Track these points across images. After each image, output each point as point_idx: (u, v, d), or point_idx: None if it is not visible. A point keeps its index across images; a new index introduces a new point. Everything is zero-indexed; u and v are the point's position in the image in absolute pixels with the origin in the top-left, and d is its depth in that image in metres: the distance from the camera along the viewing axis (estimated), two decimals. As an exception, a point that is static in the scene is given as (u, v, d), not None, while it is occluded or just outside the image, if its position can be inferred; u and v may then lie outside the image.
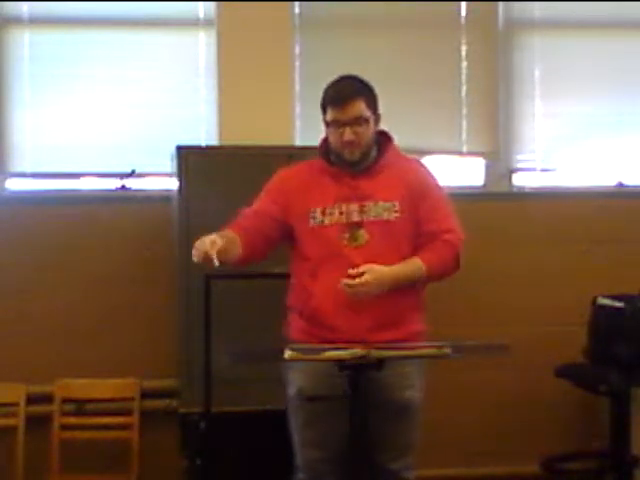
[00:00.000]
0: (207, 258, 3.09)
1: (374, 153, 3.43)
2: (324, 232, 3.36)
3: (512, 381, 5.00)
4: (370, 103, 3.37)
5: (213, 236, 3.14)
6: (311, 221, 3.37)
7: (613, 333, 4.71)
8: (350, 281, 3.20)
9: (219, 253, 3.09)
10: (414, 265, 3.35)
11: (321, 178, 3.41)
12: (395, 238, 3.37)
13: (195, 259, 3.14)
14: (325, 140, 3.47)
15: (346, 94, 3.34)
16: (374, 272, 3.22)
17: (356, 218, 3.36)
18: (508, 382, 5.00)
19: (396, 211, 3.38)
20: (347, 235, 3.35)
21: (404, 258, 3.36)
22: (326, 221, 3.36)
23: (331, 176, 3.41)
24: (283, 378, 3.46)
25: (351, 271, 3.21)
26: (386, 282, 3.26)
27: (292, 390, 3.39)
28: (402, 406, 3.36)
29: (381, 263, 3.29)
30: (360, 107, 3.33)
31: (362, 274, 3.20)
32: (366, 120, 3.35)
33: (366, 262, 3.27)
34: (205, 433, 4.20)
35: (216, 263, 3.07)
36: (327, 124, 3.38)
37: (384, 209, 3.37)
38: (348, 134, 3.32)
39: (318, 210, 3.36)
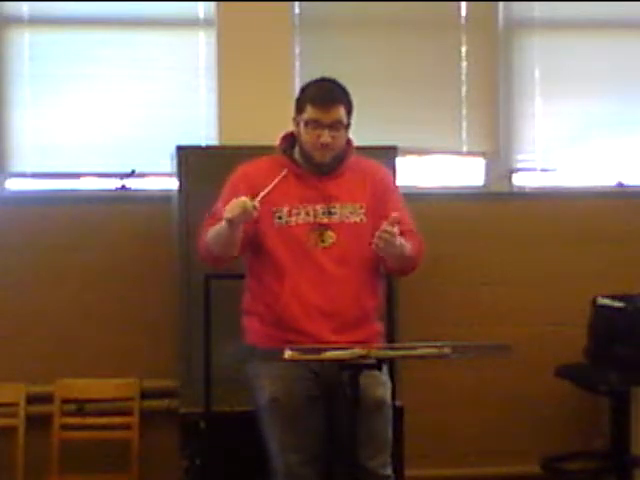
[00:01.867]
0: (247, 210, 3.09)
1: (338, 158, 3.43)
2: (290, 232, 3.35)
3: (512, 381, 5.00)
4: (348, 111, 3.39)
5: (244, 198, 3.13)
6: (276, 220, 3.35)
7: (613, 333, 4.71)
8: (390, 229, 3.12)
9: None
10: (408, 246, 3.30)
11: (285, 177, 3.36)
12: (361, 239, 3.37)
13: (231, 214, 3.12)
14: (287, 137, 3.46)
15: (332, 97, 3.34)
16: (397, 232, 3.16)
17: (323, 219, 3.36)
18: (508, 382, 5.00)
19: (362, 213, 3.39)
20: (314, 236, 3.35)
21: (369, 260, 3.37)
22: (292, 221, 3.35)
23: (295, 175, 3.39)
24: (251, 385, 3.43)
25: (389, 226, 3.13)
26: (399, 244, 3.22)
27: (265, 397, 3.35)
28: (376, 405, 3.34)
29: (348, 264, 3.32)
30: (341, 112, 3.34)
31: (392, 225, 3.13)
32: (344, 126, 3.36)
33: (333, 263, 3.30)
34: (205, 433, 4.20)
35: (257, 207, 3.10)
36: (303, 122, 3.36)
37: (350, 211, 3.38)
38: (326, 136, 3.32)
39: (284, 210, 3.35)
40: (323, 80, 3.43)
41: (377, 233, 3.17)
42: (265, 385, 3.35)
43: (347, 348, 3.02)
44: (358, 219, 3.38)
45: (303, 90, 3.42)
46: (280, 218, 3.35)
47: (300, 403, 3.29)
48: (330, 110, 3.31)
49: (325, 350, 3.03)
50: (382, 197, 3.44)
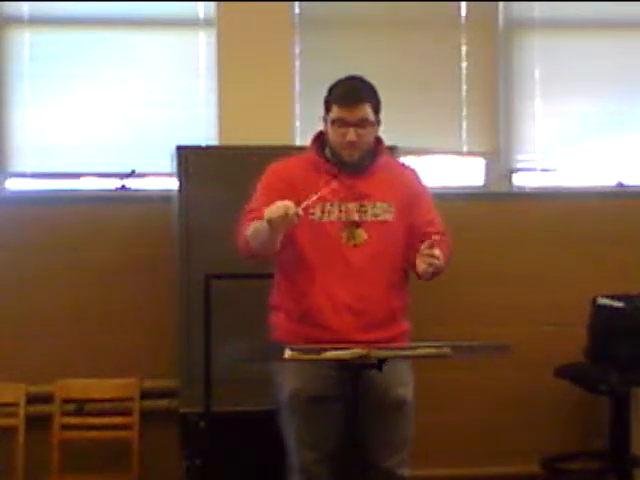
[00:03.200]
0: (289, 216, 3.08)
1: (369, 155, 3.43)
2: (323, 229, 3.35)
3: (512, 381, 5.00)
4: (376, 108, 3.38)
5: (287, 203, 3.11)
6: (309, 217, 3.34)
7: (613, 333, 4.71)
8: (434, 259, 3.14)
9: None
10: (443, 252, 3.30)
11: (317, 175, 3.39)
12: (391, 238, 3.38)
13: (271, 215, 3.09)
14: (319, 136, 3.47)
15: (356, 95, 3.34)
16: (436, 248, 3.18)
17: (355, 217, 3.36)
18: (508, 382, 5.00)
19: (392, 212, 3.39)
20: (345, 234, 3.35)
21: (398, 259, 3.39)
22: (325, 218, 3.36)
23: (328, 174, 3.40)
24: (273, 381, 3.44)
25: (427, 249, 3.14)
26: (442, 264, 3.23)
27: (285, 393, 3.37)
28: (397, 404, 3.36)
29: (378, 263, 3.32)
30: (367, 110, 3.34)
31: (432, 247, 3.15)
32: (370, 124, 3.36)
33: (363, 262, 3.29)
34: (205, 433, 4.20)
35: (299, 214, 3.09)
36: (330, 122, 3.37)
37: (382, 210, 3.38)
38: (352, 135, 3.32)
39: (317, 207, 3.35)
40: (349, 78, 3.42)
41: (424, 259, 3.15)
42: (286, 381, 3.36)
43: (347, 348, 3.01)
44: (389, 218, 3.38)
45: (330, 89, 3.42)
46: (313, 214, 3.35)
47: (320, 400, 3.29)
48: (355, 109, 3.31)
49: (325, 350, 3.03)
50: (413, 199, 3.45)
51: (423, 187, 3.55)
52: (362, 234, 3.35)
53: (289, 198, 3.21)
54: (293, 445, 3.39)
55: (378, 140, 3.48)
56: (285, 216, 3.09)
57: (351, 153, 3.36)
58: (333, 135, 3.37)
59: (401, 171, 3.55)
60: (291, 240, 3.36)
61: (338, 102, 3.34)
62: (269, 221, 3.11)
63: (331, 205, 3.36)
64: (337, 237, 3.34)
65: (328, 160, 3.43)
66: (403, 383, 3.38)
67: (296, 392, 3.32)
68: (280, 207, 3.10)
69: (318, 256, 3.34)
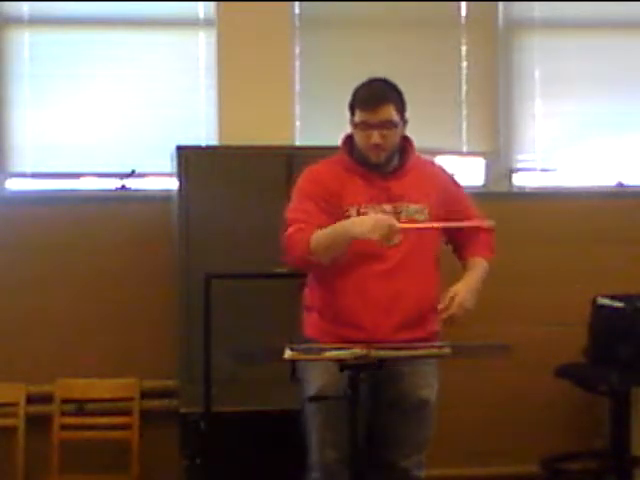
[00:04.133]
0: (391, 233, 3.13)
1: (397, 156, 3.44)
2: None
3: (512, 381, 4.99)
4: (399, 108, 3.38)
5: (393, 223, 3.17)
6: (345, 219, 3.34)
7: (613, 333, 4.71)
8: (447, 312, 3.26)
9: None
10: (481, 264, 3.47)
11: (351, 177, 3.40)
12: (425, 239, 3.39)
13: (377, 235, 3.14)
14: (348, 138, 3.47)
15: (377, 97, 3.34)
16: (461, 291, 3.31)
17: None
18: (508, 382, 5.00)
19: (425, 213, 3.40)
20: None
21: (432, 260, 3.42)
22: None
23: (361, 176, 3.40)
24: (300, 378, 3.44)
25: (440, 306, 3.27)
26: (474, 288, 3.39)
27: (311, 390, 3.36)
28: (419, 405, 3.38)
29: (411, 264, 3.33)
30: (390, 111, 3.34)
31: (452, 300, 3.27)
32: (395, 125, 3.36)
33: (397, 262, 3.31)
34: (205, 433, 4.20)
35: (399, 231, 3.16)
36: (355, 125, 3.37)
37: (415, 210, 3.39)
38: (376, 137, 3.32)
39: (353, 209, 3.35)
40: (371, 81, 3.43)
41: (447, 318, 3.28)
42: (312, 378, 3.36)
43: (347, 348, 3.01)
44: (422, 219, 3.39)
45: (354, 93, 3.42)
46: (349, 217, 3.34)
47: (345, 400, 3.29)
48: (377, 111, 3.32)
49: (325, 350, 3.03)
50: (450, 198, 3.48)
51: (457, 185, 3.59)
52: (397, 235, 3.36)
53: (326, 202, 3.32)
54: (315, 443, 3.39)
55: (407, 139, 3.49)
56: (389, 234, 3.14)
57: (377, 155, 3.36)
58: (358, 138, 3.38)
59: (431, 170, 3.56)
60: None
61: (360, 105, 3.35)
62: (362, 236, 3.15)
63: (366, 207, 3.35)
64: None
65: (358, 162, 3.42)
66: (428, 385, 3.42)
67: (322, 390, 3.31)
68: (382, 224, 3.14)
69: (353, 257, 3.32)
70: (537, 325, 5.06)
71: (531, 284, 5.09)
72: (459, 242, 3.54)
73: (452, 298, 3.27)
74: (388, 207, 3.36)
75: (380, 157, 3.37)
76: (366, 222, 3.19)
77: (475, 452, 5.00)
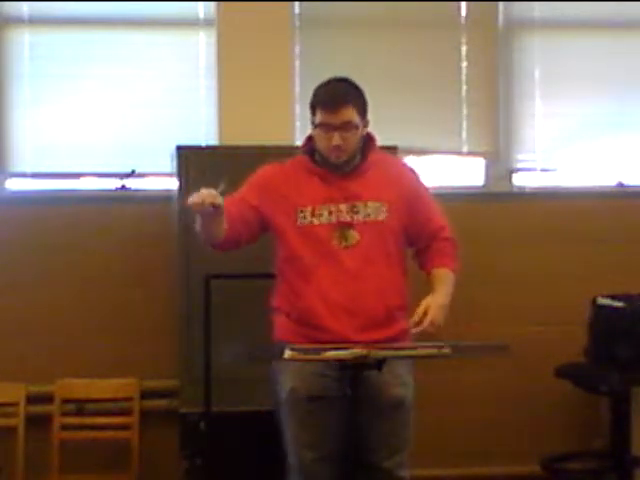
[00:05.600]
0: (203, 204, 3.05)
1: (358, 154, 3.43)
2: (313, 232, 3.34)
3: (512, 381, 5.00)
4: (360, 109, 3.36)
5: (214, 192, 3.09)
6: (299, 221, 3.35)
7: (613, 333, 4.71)
8: (419, 328, 3.24)
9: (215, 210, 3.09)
10: (449, 277, 3.45)
11: (308, 178, 3.40)
12: (384, 238, 3.38)
13: (191, 201, 3.08)
14: (309, 139, 3.46)
15: (338, 99, 3.32)
16: (432, 307, 3.28)
17: (346, 218, 3.35)
18: (508, 382, 5.00)
19: (385, 211, 3.38)
20: (337, 235, 3.34)
21: (394, 258, 3.40)
22: (315, 221, 3.35)
23: (319, 176, 3.39)
24: (272, 380, 3.44)
25: (414, 318, 3.25)
26: (444, 302, 3.36)
27: (284, 391, 3.37)
28: (395, 404, 3.35)
29: (371, 263, 3.33)
30: (351, 113, 3.32)
31: (424, 315, 3.25)
32: (355, 126, 3.34)
33: (356, 262, 3.30)
34: (205, 433, 4.20)
35: (215, 204, 3.06)
36: (315, 125, 3.36)
37: (374, 209, 3.38)
38: (336, 139, 3.31)
39: (307, 210, 3.35)
40: (331, 81, 3.41)
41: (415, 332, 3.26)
42: (285, 380, 3.36)
43: (347, 348, 3.01)
44: (382, 217, 3.37)
45: (314, 93, 3.41)
46: (304, 218, 3.35)
47: (318, 400, 3.29)
48: (338, 112, 3.30)
49: (325, 350, 3.03)
50: (412, 197, 3.45)
51: (419, 183, 3.55)
52: (354, 235, 3.35)
53: (265, 199, 3.35)
54: (291, 444, 3.38)
55: (369, 137, 3.48)
56: (201, 204, 3.06)
57: (337, 156, 3.35)
58: (319, 139, 3.36)
59: (397, 169, 3.54)
60: (284, 242, 3.38)
61: (321, 106, 3.33)
62: (189, 207, 3.10)
63: (321, 208, 3.35)
64: (328, 239, 3.34)
65: (318, 163, 3.42)
66: (402, 383, 3.38)
67: (294, 391, 3.32)
68: (201, 194, 3.07)
69: (310, 258, 3.34)
70: (537, 325, 5.06)
71: (531, 284, 5.09)
72: (420, 247, 3.51)
73: (424, 314, 3.25)
74: (344, 206, 3.35)
75: (340, 158, 3.36)
76: (197, 193, 3.12)
77: (475, 452, 5.00)
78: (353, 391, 3.05)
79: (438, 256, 3.47)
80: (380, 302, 3.34)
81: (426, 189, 3.56)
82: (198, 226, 3.26)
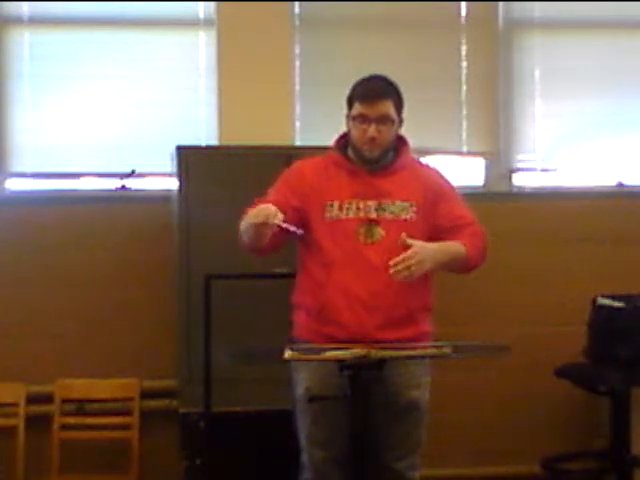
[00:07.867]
0: (266, 224, 3.08)
1: (391, 154, 3.45)
2: (340, 226, 3.35)
3: (512, 381, 5.00)
4: (397, 106, 3.41)
5: (273, 209, 3.11)
6: (327, 214, 3.36)
7: (613, 333, 4.71)
8: (403, 265, 3.16)
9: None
10: (456, 246, 3.37)
11: (338, 172, 3.41)
12: (409, 236, 3.35)
13: (255, 220, 3.11)
14: (343, 136, 3.48)
15: (377, 92, 3.36)
16: (419, 246, 3.21)
17: (373, 215, 3.36)
18: (508, 382, 5.00)
19: (413, 211, 3.39)
20: (363, 231, 3.35)
21: None
22: (342, 215, 3.36)
23: (348, 172, 3.41)
24: (290, 378, 3.45)
25: (401, 257, 3.17)
26: (437, 253, 3.28)
27: (300, 390, 3.38)
28: (409, 405, 3.37)
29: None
30: (388, 107, 3.36)
31: (414, 254, 3.16)
32: (391, 120, 3.37)
33: (379, 259, 3.28)
34: (205, 433, 4.20)
35: (280, 219, 3.09)
36: (352, 118, 3.39)
37: (401, 208, 3.38)
38: (372, 131, 3.33)
39: (335, 204, 3.36)
40: (372, 77, 3.45)
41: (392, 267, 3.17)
42: (302, 378, 3.37)
43: (347, 348, 3.01)
44: (408, 216, 3.38)
45: (353, 87, 3.45)
46: (331, 212, 3.36)
47: (333, 399, 3.28)
48: (376, 105, 3.34)
49: (325, 350, 3.03)
50: (438, 197, 3.44)
51: (447, 185, 3.55)
52: (380, 231, 3.35)
53: (300, 193, 3.35)
54: (304, 442, 3.40)
55: (401, 139, 3.50)
56: (265, 221, 3.09)
57: (371, 149, 3.37)
58: (354, 131, 3.39)
59: (424, 171, 3.55)
60: (310, 237, 3.37)
61: (360, 98, 3.37)
62: (252, 224, 3.14)
63: (349, 202, 3.36)
64: (354, 234, 3.34)
65: (349, 158, 3.44)
66: (417, 385, 3.39)
67: (310, 390, 3.32)
68: (262, 210, 3.10)
69: (335, 253, 3.34)
70: (537, 325, 5.06)
71: (531, 284, 5.09)
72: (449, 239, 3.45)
73: (415, 252, 3.18)
74: (372, 203, 3.36)
75: (374, 152, 3.38)
76: (254, 210, 3.15)
77: (475, 452, 5.01)
78: (354, 391, 3.04)
79: (458, 238, 3.41)
80: (401, 301, 3.32)
81: (453, 189, 3.56)
82: (247, 237, 3.27)
